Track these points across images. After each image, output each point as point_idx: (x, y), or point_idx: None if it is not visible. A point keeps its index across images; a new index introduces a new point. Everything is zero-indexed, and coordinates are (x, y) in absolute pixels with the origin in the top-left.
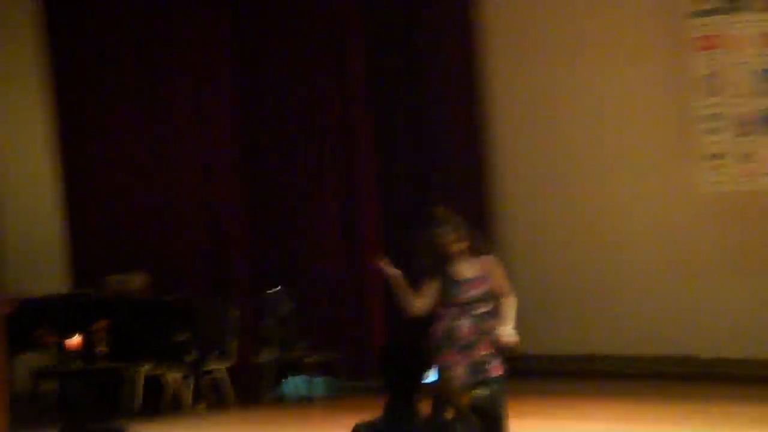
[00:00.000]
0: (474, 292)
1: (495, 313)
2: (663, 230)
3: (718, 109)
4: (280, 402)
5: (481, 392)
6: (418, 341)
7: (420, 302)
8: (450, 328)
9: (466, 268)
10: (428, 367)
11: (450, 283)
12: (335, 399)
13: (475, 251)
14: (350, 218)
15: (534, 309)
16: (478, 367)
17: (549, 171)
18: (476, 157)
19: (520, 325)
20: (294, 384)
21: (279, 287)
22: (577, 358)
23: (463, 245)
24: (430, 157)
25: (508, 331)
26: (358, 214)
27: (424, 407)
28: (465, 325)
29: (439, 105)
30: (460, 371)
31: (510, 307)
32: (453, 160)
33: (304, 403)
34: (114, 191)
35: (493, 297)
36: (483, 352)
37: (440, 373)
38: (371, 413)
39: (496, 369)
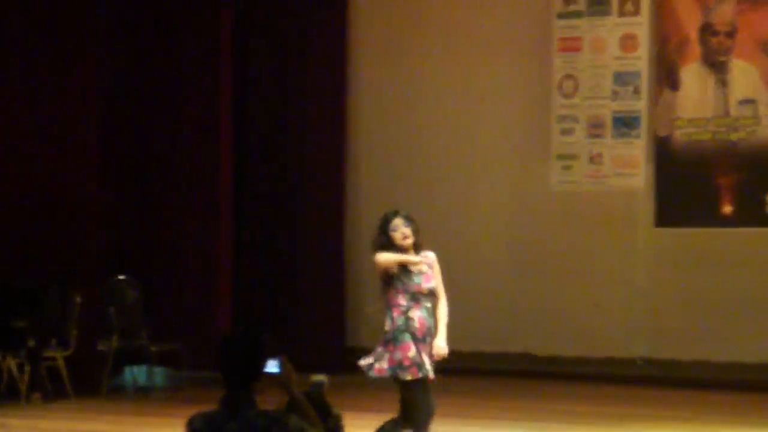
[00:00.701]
0: (428, 284)
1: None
2: (512, 228)
3: (572, 110)
4: (119, 392)
5: (318, 379)
6: (256, 332)
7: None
8: (407, 317)
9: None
10: (266, 357)
11: (408, 272)
12: (176, 390)
13: (417, 247)
14: (204, 213)
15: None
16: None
17: (404, 166)
18: (336, 148)
19: (362, 321)
20: (134, 374)
21: (124, 275)
22: None
23: (413, 240)
24: (289, 146)
25: (440, 342)
26: (213, 213)
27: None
28: (418, 316)
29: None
30: (421, 359)
31: (444, 315)
32: (312, 148)
33: (144, 393)
34: None
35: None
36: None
37: (280, 362)
38: (210, 405)
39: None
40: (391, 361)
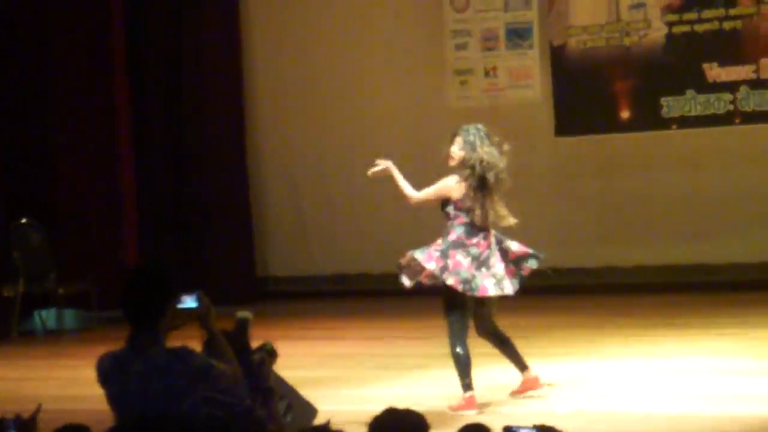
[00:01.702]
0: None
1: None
2: (413, 146)
3: (465, 25)
4: (29, 337)
5: (242, 315)
6: (156, 267)
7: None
8: None
9: None
10: (169, 292)
11: None
12: (86, 331)
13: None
14: (106, 151)
15: (286, 231)
16: None
17: (301, 86)
18: (233, 74)
19: (271, 250)
20: (43, 317)
21: (28, 218)
22: (328, 278)
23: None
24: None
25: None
26: (114, 150)
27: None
28: None
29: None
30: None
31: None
32: (210, 75)
33: (54, 336)
34: None
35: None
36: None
37: (197, 296)
38: (120, 344)
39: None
40: None
